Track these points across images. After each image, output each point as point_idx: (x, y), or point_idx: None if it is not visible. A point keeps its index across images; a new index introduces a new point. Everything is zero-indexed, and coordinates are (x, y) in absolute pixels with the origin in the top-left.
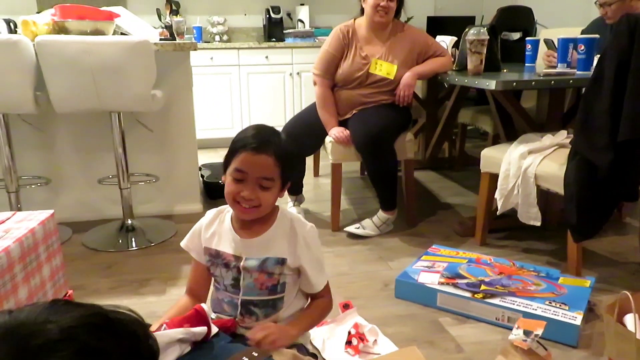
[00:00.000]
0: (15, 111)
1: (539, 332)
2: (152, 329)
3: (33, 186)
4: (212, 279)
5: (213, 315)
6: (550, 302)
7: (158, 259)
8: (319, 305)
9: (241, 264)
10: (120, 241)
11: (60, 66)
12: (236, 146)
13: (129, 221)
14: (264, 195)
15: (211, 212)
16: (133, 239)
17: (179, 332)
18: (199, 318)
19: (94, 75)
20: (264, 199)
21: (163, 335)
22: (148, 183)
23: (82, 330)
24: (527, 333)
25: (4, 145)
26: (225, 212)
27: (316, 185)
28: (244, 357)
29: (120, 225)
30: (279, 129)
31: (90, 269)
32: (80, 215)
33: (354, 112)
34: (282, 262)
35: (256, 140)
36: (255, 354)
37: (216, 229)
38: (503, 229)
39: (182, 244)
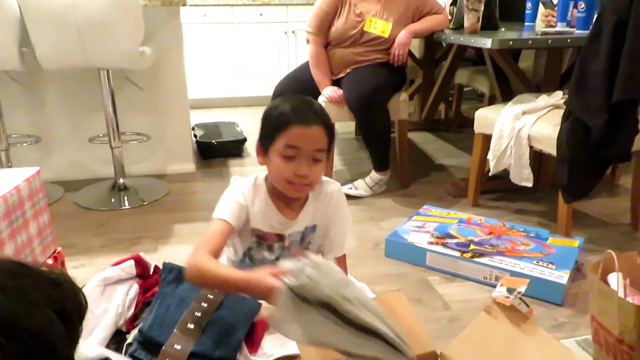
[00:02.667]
0: (0, 68)
1: (522, 289)
2: None
3: (24, 144)
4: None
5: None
6: (537, 262)
7: (150, 218)
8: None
9: (286, 243)
10: (112, 200)
11: (45, 21)
12: (281, 121)
13: (121, 180)
14: (316, 169)
15: (247, 187)
16: (125, 198)
17: (103, 273)
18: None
19: (80, 30)
20: (317, 173)
21: (90, 283)
22: (140, 142)
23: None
24: (510, 290)
25: None
26: (261, 188)
27: None
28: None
29: (112, 184)
30: (272, 89)
31: (82, 228)
32: (72, 174)
33: (348, 71)
34: (314, 228)
35: (302, 112)
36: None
37: (258, 207)
38: (495, 190)
39: (224, 216)
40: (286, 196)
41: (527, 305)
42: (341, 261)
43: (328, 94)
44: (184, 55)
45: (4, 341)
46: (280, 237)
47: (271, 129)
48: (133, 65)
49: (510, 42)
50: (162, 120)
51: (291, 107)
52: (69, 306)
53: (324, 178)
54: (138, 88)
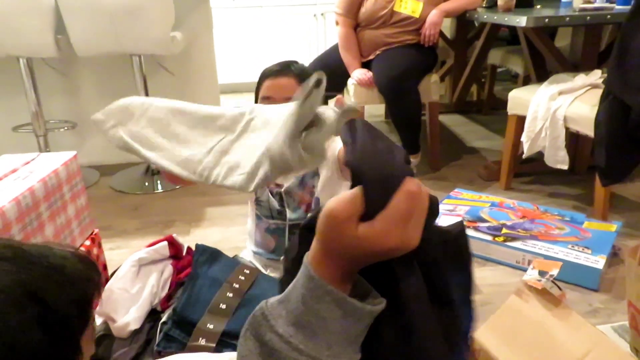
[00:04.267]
0: (37, 55)
1: (554, 272)
2: None
3: (61, 130)
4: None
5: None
6: (572, 246)
7: (183, 202)
8: None
9: (282, 189)
10: (146, 184)
11: (79, 8)
12: (260, 77)
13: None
14: None
15: None
16: (158, 182)
17: (138, 254)
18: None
19: (113, 17)
20: None
21: (125, 264)
22: None
23: None
24: (542, 273)
25: (30, 90)
26: None
27: None
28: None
29: (145, 168)
30: None
31: (118, 211)
32: (107, 158)
33: (378, 52)
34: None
35: (275, 67)
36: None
37: None
38: (529, 173)
39: None
40: None
41: (560, 289)
42: None
43: (357, 76)
44: (214, 39)
45: None
46: (277, 185)
47: (257, 85)
48: (164, 50)
49: (546, 20)
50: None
51: (272, 65)
52: (54, 292)
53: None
54: (169, 73)
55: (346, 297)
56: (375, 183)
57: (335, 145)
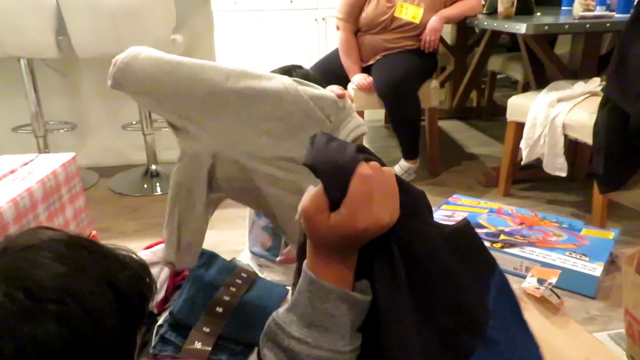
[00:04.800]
0: (38, 56)
1: (553, 280)
2: None
3: (60, 131)
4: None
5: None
6: (570, 253)
7: None
8: None
9: None
10: (145, 186)
11: (80, 9)
12: None
13: (153, 167)
14: None
15: None
16: (157, 184)
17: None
18: None
19: (114, 18)
20: None
21: None
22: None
23: (60, 242)
24: (540, 281)
25: (30, 91)
26: None
27: None
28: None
29: (145, 170)
30: None
31: (117, 212)
32: (106, 160)
33: (378, 58)
34: None
35: (279, 71)
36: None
37: None
38: (527, 179)
39: None
40: None
41: (558, 297)
42: None
43: (357, 81)
44: (215, 42)
45: (46, 302)
46: None
47: None
48: (165, 52)
49: (546, 27)
50: None
51: (273, 71)
52: (126, 283)
53: None
54: None
55: (347, 291)
56: (329, 174)
57: None
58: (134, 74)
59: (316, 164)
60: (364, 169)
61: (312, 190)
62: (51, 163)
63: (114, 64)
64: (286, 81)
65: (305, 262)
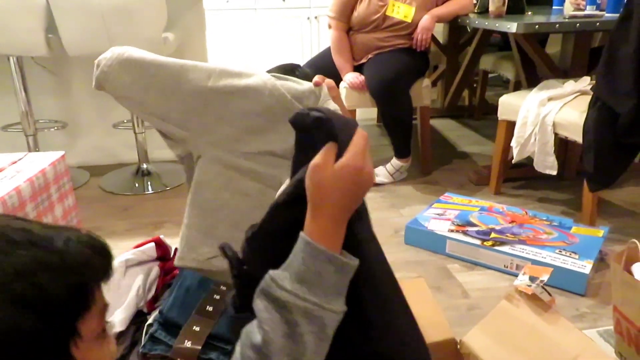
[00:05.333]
0: (28, 54)
1: (545, 278)
2: None
3: (51, 130)
4: None
5: None
6: (560, 251)
7: (173, 203)
8: None
9: None
10: (136, 185)
11: (70, 7)
12: None
13: (145, 165)
14: None
15: None
16: (149, 183)
17: (125, 255)
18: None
19: (104, 16)
20: None
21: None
22: None
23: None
24: (532, 279)
25: (20, 89)
26: None
27: None
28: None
29: (136, 169)
30: None
31: (108, 212)
32: (97, 159)
33: (370, 56)
34: None
35: (280, 70)
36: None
37: None
38: (518, 178)
39: None
40: None
41: (550, 295)
42: None
43: (349, 80)
44: (207, 41)
45: None
46: None
47: None
48: (156, 51)
49: (537, 26)
50: None
51: (273, 69)
52: (47, 284)
53: None
54: None
55: (336, 255)
56: (341, 124)
57: None
58: (117, 78)
59: (330, 117)
60: (362, 130)
61: (321, 150)
62: (40, 162)
63: (97, 65)
64: (265, 77)
65: (302, 231)
